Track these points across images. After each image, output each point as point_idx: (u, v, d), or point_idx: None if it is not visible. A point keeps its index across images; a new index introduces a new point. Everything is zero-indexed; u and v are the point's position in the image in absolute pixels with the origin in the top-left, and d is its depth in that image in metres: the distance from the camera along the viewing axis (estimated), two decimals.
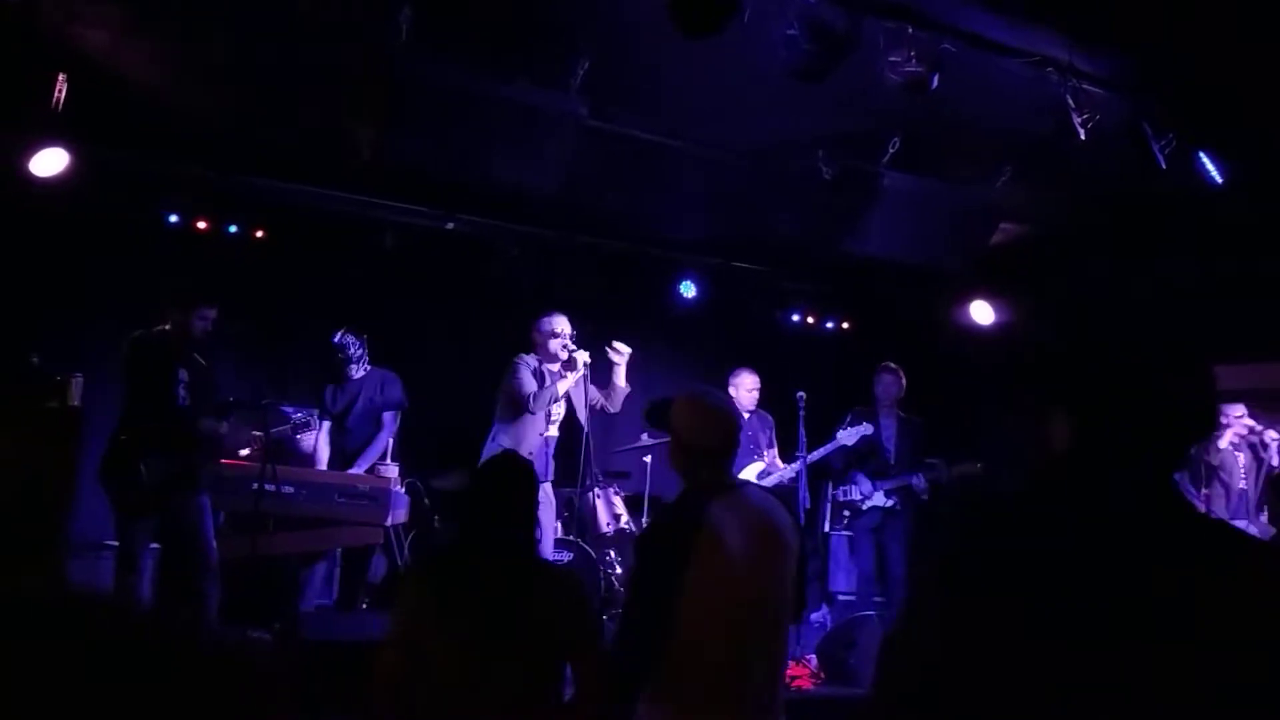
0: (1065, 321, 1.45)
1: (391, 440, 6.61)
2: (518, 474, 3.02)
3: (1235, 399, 6.96)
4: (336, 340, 6.39)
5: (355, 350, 6.40)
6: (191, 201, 7.01)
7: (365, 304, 7.16)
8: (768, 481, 7.16)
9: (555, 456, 6.40)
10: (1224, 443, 6.98)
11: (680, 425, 2.95)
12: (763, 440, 7.43)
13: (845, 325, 9.56)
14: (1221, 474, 7.04)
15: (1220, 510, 6.97)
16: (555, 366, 6.31)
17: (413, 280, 7.76)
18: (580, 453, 6.39)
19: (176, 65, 5.63)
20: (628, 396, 6.58)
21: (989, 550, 1.32)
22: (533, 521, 3.01)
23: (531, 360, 6.29)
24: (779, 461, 7.43)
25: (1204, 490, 7.06)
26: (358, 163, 5.77)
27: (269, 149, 6.67)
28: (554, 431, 6.37)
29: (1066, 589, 1.23)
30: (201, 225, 7.09)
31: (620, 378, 6.34)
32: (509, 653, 2.75)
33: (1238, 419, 7.04)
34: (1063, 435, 1.36)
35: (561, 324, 6.30)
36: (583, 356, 6.19)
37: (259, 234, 7.29)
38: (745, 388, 7.41)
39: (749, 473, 7.17)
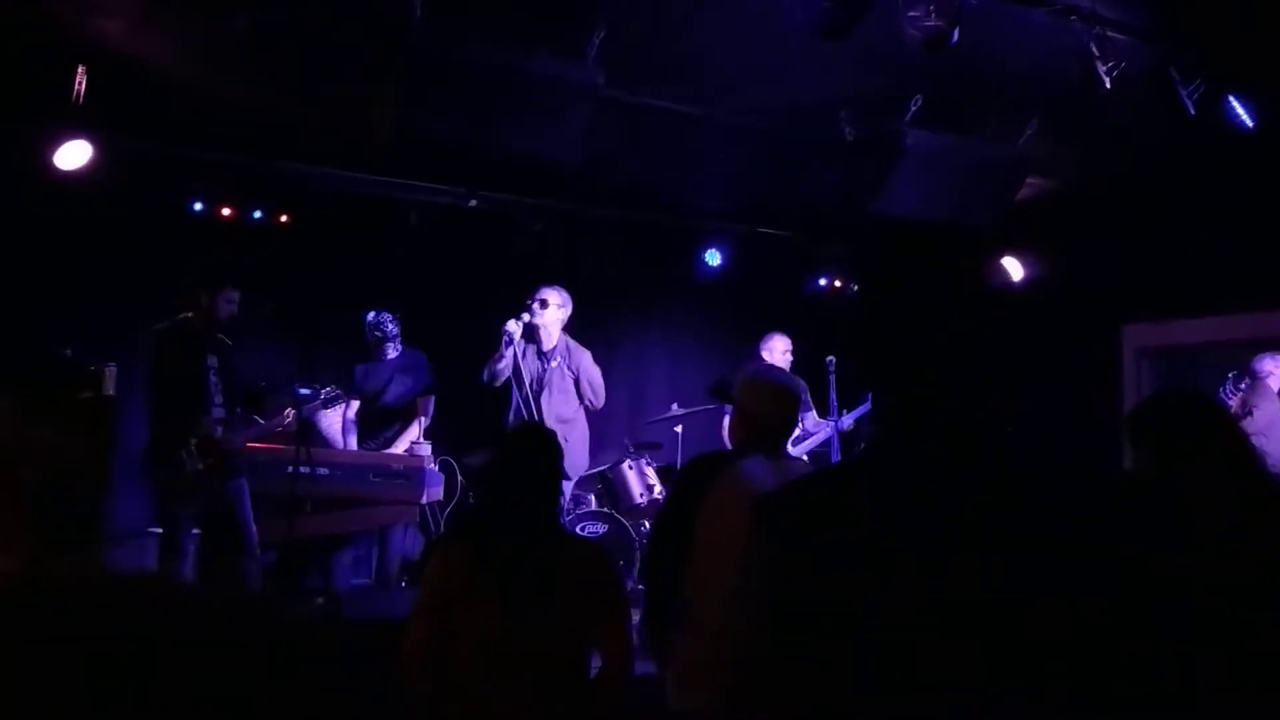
0: (865, 282, 1.53)
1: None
2: (537, 444, 3.01)
3: (1268, 346, 6.84)
4: (371, 319, 6.44)
5: (391, 329, 6.45)
6: (215, 189, 7.03)
7: (391, 284, 7.17)
8: (802, 447, 7.14)
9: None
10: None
11: (744, 398, 3.01)
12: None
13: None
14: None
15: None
16: (552, 340, 6.35)
17: (438, 259, 7.76)
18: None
19: (195, 52, 5.63)
20: (651, 367, 6.60)
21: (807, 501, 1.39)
22: (556, 492, 2.99)
23: (507, 346, 6.31)
24: (814, 419, 7.37)
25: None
26: (378, 142, 5.77)
27: (289, 133, 6.67)
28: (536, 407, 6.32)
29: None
30: (226, 212, 7.11)
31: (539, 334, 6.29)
32: (536, 624, 2.76)
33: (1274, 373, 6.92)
34: (876, 390, 1.46)
35: (545, 293, 6.33)
36: (511, 324, 6.19)
37: (283, 219, 7.30)
38: (779, 351, 7.37)
39: None
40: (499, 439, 3.05)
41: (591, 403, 6.44)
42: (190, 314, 5.44)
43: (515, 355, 6.24)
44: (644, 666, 5.37)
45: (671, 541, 2.85)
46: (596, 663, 3.03)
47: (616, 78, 5.53)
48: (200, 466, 5.22)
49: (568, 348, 6.45)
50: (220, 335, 5.52)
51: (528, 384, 6.31)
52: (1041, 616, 1.20)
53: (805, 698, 1.27)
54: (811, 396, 7.45)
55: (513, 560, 2.80)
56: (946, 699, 1.20)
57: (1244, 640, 1.24)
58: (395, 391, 6.49)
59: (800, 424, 7.31)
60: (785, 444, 3.17)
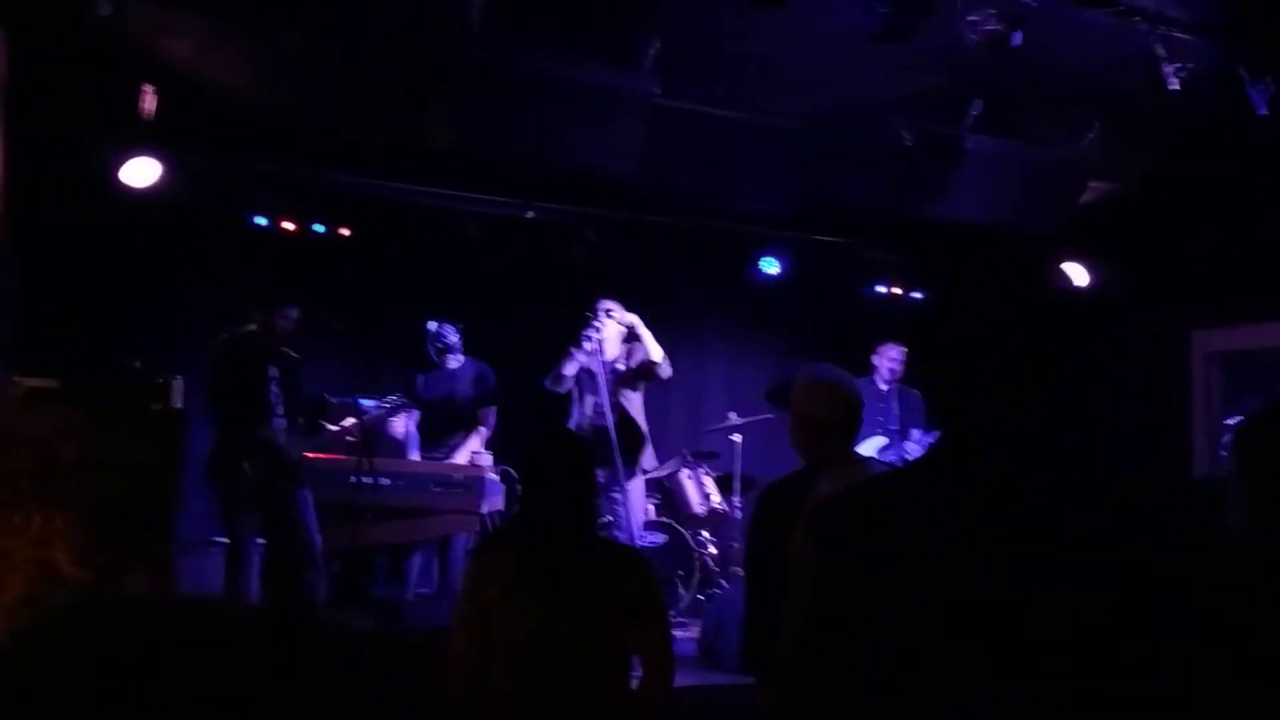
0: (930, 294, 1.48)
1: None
2: (566, 450, 3.00)
3: None
4: (433, 329, 6.49)
5: (453, 339, 6.51)
6: (276, 202, 7.15)
7: (451, 295, 7.23)
8: (889, 455, 7.02)
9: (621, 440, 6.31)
10: None
11: (797, 400, 2.98)
12: (897, 417, 7.22)
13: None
14: None
15: None
16: (613, 350, 6.34)
17: (496, 269, 7.82)
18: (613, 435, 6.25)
19: (257, 69, 5.74)
20: (708, 376, 6.60)
21: (861, 517, 1.35)
22: (591, 497, 2.96)
23: (580, 354, 6.33)
24: (919, 435, 7.20)
25: None
26: (436, 153, 5.83)
27: (350, 146, 6.77)
28: (600, 419, 6.31)
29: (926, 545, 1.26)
30: (287, 225, 7.23)
31: (654, 352, 6.27)
32: (575, 632, 2.75)
33: None
34: (934, 396, 1.40)
35: (605, 305, 6.36)
36: (600, 321, 6.25)
37: (343, 231, 7.40)
38: (887, 358, 7.30)
39: (868, 446, 7.03)
40: (529, 447, 3.04)
41: (661, 373, 6.39)
42: (255, 326, 5.55)
43: (582, 364, 6.30)
44: (700, 676, 5.37)
45: (763, 567, 2.82)
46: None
47: (671, 85, 5.54)
48: (263, 474, 5.30)
49: (628, 352, 6.47)
50: (284, 349, 5.61)
51: (590, 392, 6.35)
52: (1095, 625, 1.18)
53: (843, 705, 1.27)
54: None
55: (549, 567, 2.80)
56: (992, 709, 1.19)
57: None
58: (457, 401, 6.54)
59: (896, 433, 7.16)
60: (851, 447, 3.10)
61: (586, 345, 6.21)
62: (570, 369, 6.30)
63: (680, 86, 5.75)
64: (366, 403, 6.01)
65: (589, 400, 6.33)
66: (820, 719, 1.29)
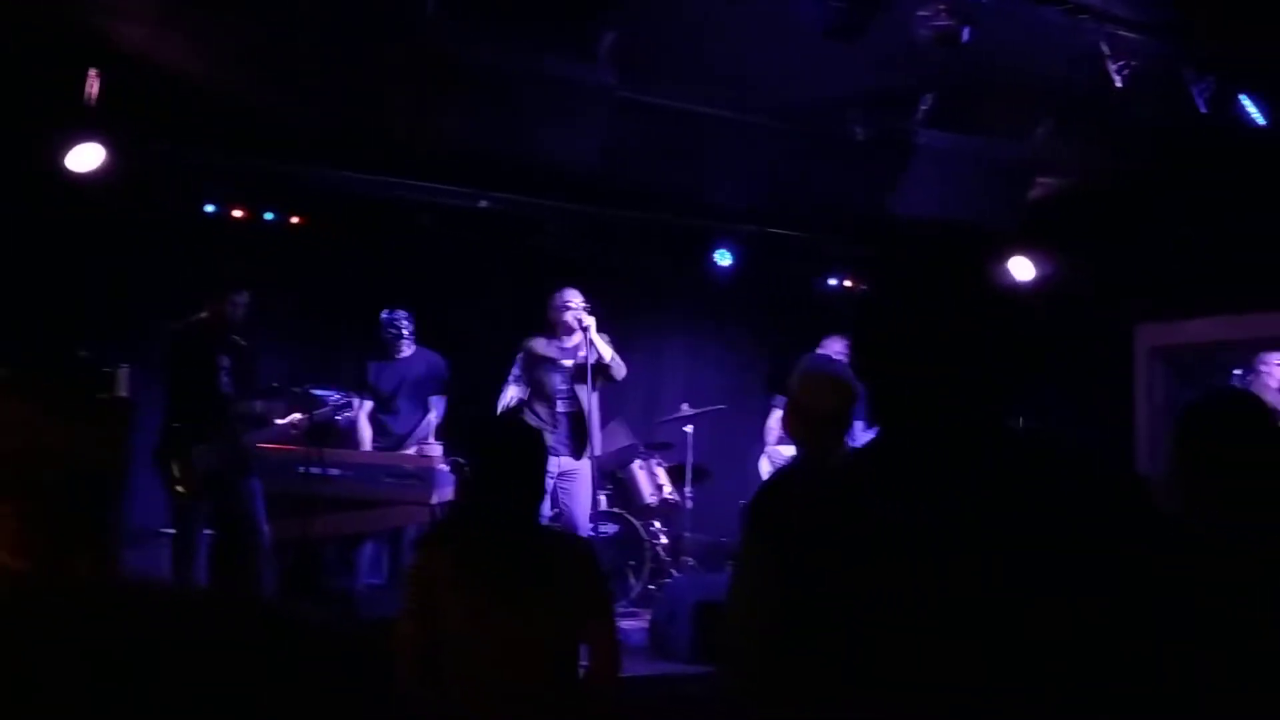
0: (876, 291, 1.48)
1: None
2: (514, 440, 2.99)
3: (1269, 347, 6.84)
4: (386, 316, 6.48)
5: (405, 326, 6.49)
6: (227, 190, 7.07)
7: (405, 286, 7.19)
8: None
9: (573, 428, 6.34)
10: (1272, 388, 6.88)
11: (802, 392, 3.00)
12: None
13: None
14: None
15: None
16: (573, 340, 6.31)
17: (452, 261, 7.78)
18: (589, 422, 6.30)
19: (209, 55, 5.66)
20: (663, 368, 6.62)
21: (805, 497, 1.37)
22: (539, 486, 2.97)
23: (539, 344, 6.32)
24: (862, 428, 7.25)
25: None
26: (393, 145, 5.79)
27: (303, 135, 6.70)
28: (563, 407, 6.33)
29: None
30: (238, 214, 7.15)
31: (599, 351, 6.25)
32: (522, 622, 2.75)
33: (1277, 366, 6.94)
34: (871, 387, 1.40)
35: (572, 297, 6.32)
36: (587, 320, 6.22)
37: (295, 220, 7.33)
38: (832, 352, 7.33)
39: None
40: (477, 437, 3.02)
41: (615, 374, 6.35)
42: (205, 314, 5.49)
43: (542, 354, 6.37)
44: (650, 666, 5.40)
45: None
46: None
47: (629, 78, 5.54)
48: (212, 464, 5.26)
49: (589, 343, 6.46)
50: (235, 337, 5.56)
51: (548, 379, 6.36)
52: (1043, 615, 1.19)
53: (798, 693, 1.28)
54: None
55: (496, 557, 2.80)
56: (944, 698, 1.20)
57: (1246, 640, 1.23)
58: (409, 390, 6.52)
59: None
60: (844, 441, 3.12)
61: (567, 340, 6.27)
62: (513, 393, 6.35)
63: (639, 80, 5.75)
64: (327, 394, 5.98)
65: (547, 387, 6.31)
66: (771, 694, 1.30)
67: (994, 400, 1.33)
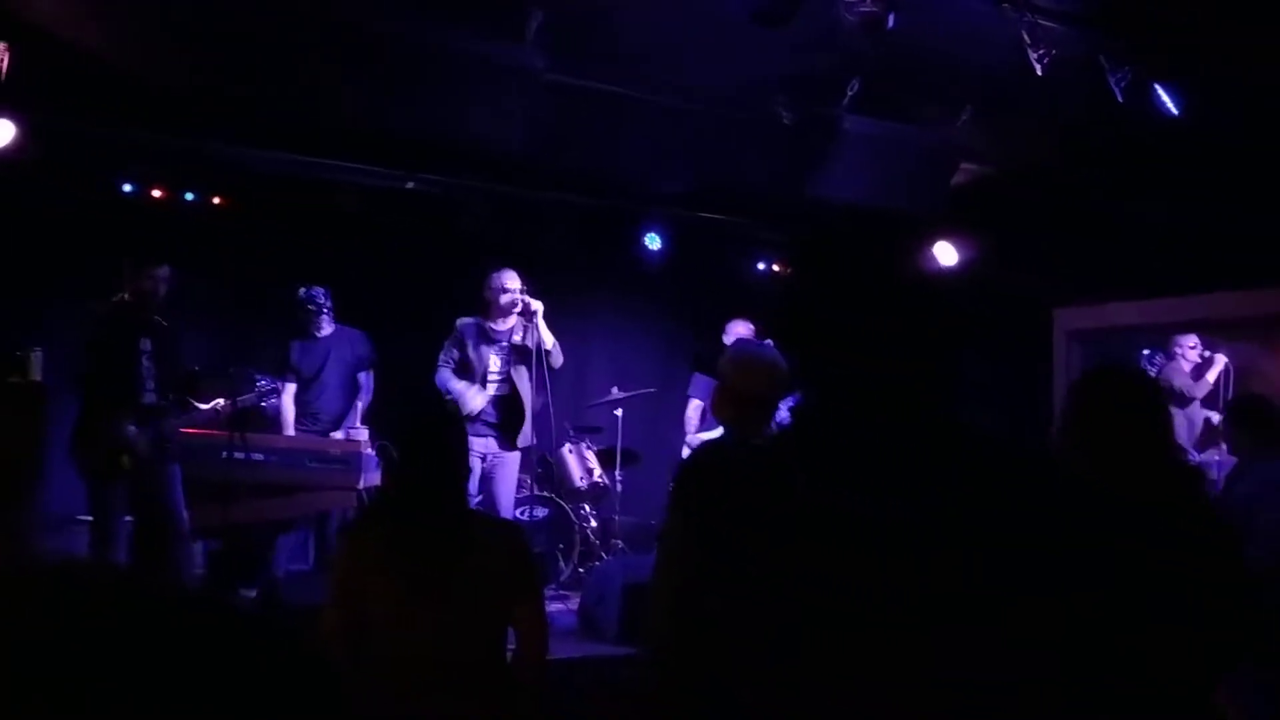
0: (795, 265, 1.50)
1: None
2: (439, 425, 2.97)
3: (1191, 329, 7.07)
4: (303, 294, 6.37)
5: (323, 303, 6.38)
6: (146, 170, 6.90)
7: (330, 267, 7.09)
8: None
9: (504, 412, 6.29)
10: (1185, 370, 7.13)
11: (735, 375, 3.02)
12: None
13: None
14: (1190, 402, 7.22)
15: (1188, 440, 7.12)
16: (508, 323, 6.27)
17: (377, 242, 7.70)
18: (524, 407, 6.29)
19: (125, 29, 5.51)
20: (591, 351, 6.61)
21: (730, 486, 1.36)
22: (462, 471, 2.95)
23: (470, 326, 6.25)
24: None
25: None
26: (316, 124, 5.71)
27: (223, 113, 6.56)
28: (493, 390, 6.25)
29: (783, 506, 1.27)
30: (157, 194, 6.99)
31: (544, 338, 6.21)
32: (449, 606, 2.74)
33: (1190, 349, 7.19)
34: (795, 368, 1.41)
35: (511, 279, 6.24)
36: (536, 305, 6.18)
37: (216, 200, 7.19)
38: (735, 335, 7.39)
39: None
40: (402, 421, 3.00)
41: (553, 361, 6.30)
42: (126, 295, 5.36)
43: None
44: (580, 648, 5.42)
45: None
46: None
47: (557, 60, 5.52)
48: (130, 449, 5.15)
49: (523, 328, 6.40)
50: (158, 318, 5.43)
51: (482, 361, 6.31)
52: (970, 600, 1.21)
53: (721, 666, 1.28)
54: None
55: (421, 542, 2.79)
56: (867, 679, 1.21)
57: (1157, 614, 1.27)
58: (332, 368, 6.42)
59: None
60: (769, 422, 3.16)
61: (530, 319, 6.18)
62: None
63: (567, 62, 5.73)
64: (261, 379, 5.88)
65: (478, 369, 6.24)
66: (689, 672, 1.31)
67: (922, 383, 1.34)
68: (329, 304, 6.44)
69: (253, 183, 7.25)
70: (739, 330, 7.36)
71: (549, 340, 6.20)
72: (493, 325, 6.27)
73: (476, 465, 5.95)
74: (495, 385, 6.26)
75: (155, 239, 6.32)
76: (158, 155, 6.85)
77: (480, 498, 6.20)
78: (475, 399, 6.12)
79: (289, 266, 7.11)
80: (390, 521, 2.88)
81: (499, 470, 6.24)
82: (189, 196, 7.09)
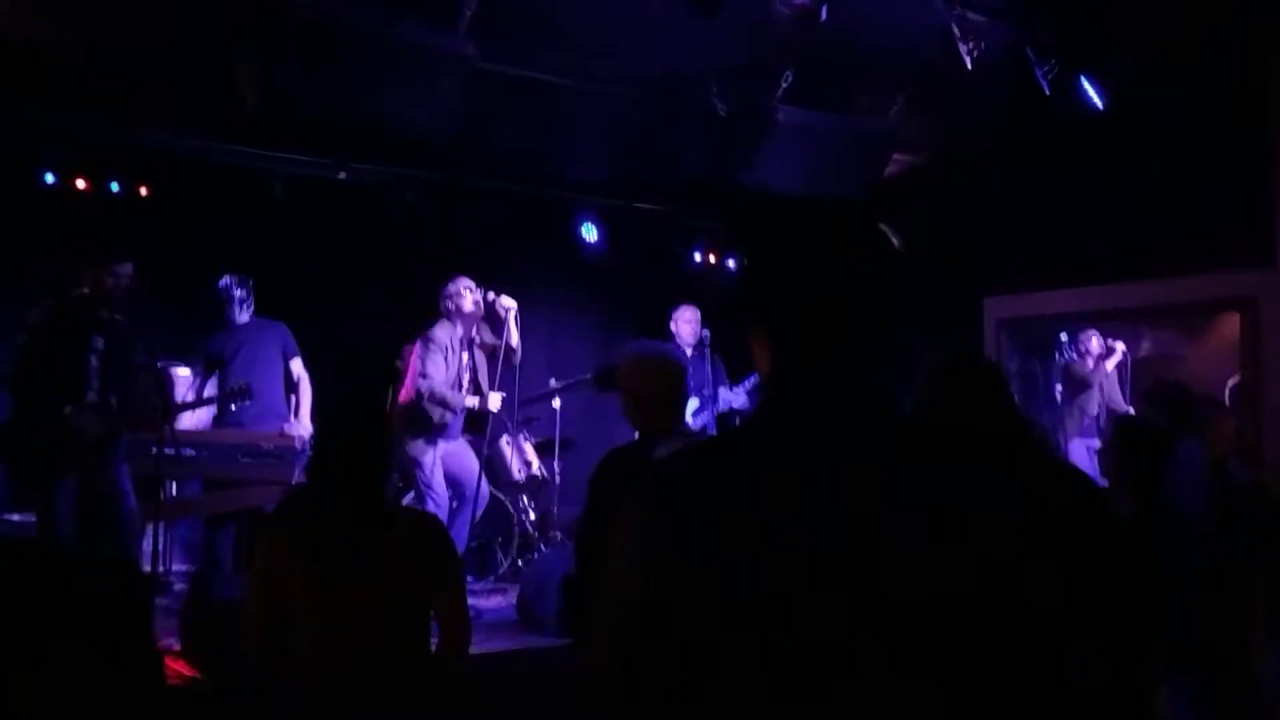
0: (754, 246, 1.48)
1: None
2: (358, 418, 2.94)
3: (1117, 316, 7.26)
4: (221, 284, 6.24)
5: (239, 293, 6.25)
6: (68, 159, 6.72)
7: (260, 259, 6.97)
8: (703, 416, 7.20)
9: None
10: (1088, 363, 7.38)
11: (628, 379, 3.08)
12: (708, 379, 7.34)
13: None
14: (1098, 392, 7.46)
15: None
16: (475, 330, 6.37)
17: (308, 233, 7.57)
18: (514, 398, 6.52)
19: (45, 14, 5.36)
20: (529, 342, 6.65)
21: (698, 472, 1.34)
22: (383, 464, 2.92)
23: (444, 336, 6.26)
24: (725, 393, 7.40)
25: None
26: (244, 111, 5.59)
27: (149, 101, 6.42)
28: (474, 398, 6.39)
29: (773, 500, 1.25)
30: (81, 184, 6.80)
31: (514, 335, 6.32)
32: (369, 599, 2.73)
33: (1093, 342, 7.44)
34: (765, 357, 1.40)
35: (468, 285, 6.33)
36: (510, 303, 6.29)
37: (143, 191, 7.02)
38: (683, 321, 7.44)
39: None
40: (321, 415, 2.99)
41: (515, 360, 6.48)
42: (86, 290, 5.21)
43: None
44: (518, 640, 5.41)
45: (596, 542, 2.84)
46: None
47: (490, 48, 5.47)
48: (62, 450, 5.02)
49: (483, 329, 6.54)
50: (116, 316, 5.28)
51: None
52: (954, 584, 1.21)
53: (690, 673, 1.26)
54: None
55: (338, 536, 2.77)
56: (849, 677, 1.20)
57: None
58: (247, 358, 6.25)
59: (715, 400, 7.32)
60: (681, 419, 3.21)
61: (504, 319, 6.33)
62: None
63: (499, 49, 5.69)
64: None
65: (461, 378, 6.31)
66: (660, 686, 1.28)
67: (877, 369, 1.36)
68: (245, 294, 6.30)
69: (180, 172, 7.09)
70: (686, 316, 7.42)
71: (515, 338, 6.35)
72: (456, 333, 6.32)
73: (438, 465, 6.25)
74: (465, 388, 6.38)
75: (79, 231, 6.17)
76: (80, 144, 6.67)
77: (451, 493, 6.39)
78: (494, 399, 6.34)
79: (217, 258, 6.96)
80: (308, 515, 2.85)
81: (463, 459, 6.41)
82: (114, 187, 6.91)
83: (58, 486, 5.07)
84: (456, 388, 6.29)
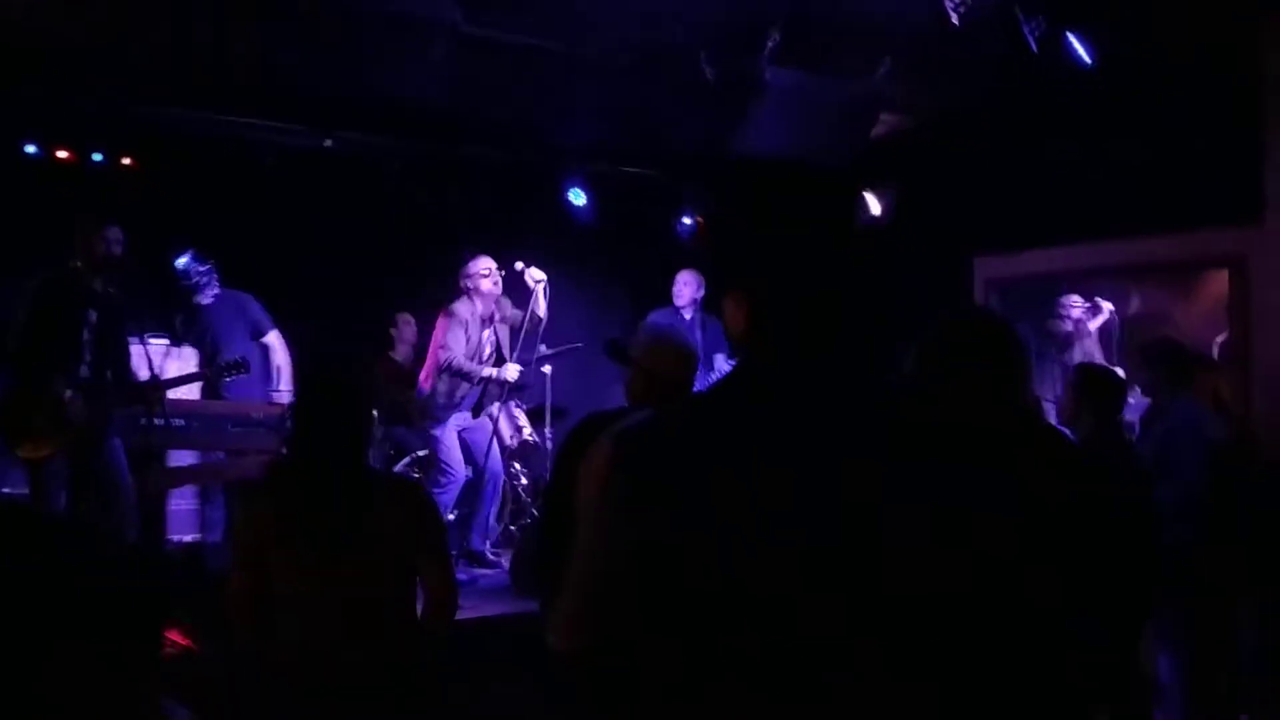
0: (738, 209, 1.47)
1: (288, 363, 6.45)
2: (335, 387, 2.95)
3: (1105, 275, 7.25)
4: (180, 266, 6.10)
5: (200, 277, 6.16)
6: (51, 130, 6.66)
7: (247, 230, 6.94)
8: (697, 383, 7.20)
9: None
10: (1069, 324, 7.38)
11: (646, 357, 3.07)
12: (701, 345, 7.36)
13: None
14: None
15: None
16: (491, 305, 6.40)
17: (295, 203, 7.52)
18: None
19: None
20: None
21: (678, 435, 1.34)
22: (363, 432, 2.93)
23: (466, 312, 6.28)
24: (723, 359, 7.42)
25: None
26: (231, 80, 5.55)
27: (133, 71, 6.35)
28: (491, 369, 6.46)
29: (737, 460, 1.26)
30: (63, 155, 6.75)
31: (541, 306, 6.37)
32: (352, 566, 2.75)
33: (1074, 307, 7.43)
34: (738, 318, 1.40)
35: (488, 263, 6.39)
36: (539, 275, 6.39)
37: (126, 162, 6.97)
38: (683, 284, 7.45)
39: None
40: (299, 385, 3.00)
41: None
42: (78, 262, 5.18)
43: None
44: (511, 605, 5.44)
45: (560, 491, 2.84)
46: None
47: (477, 14, 5.43)
48: (57, 425, 5.01)
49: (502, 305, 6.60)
50: (109, 289, 5.25)
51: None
52: (930, 550, 1.21)
53: (668, 632, 1.26)
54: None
55: (319, 506, 2.78)
56: (826, 640, 1.20)
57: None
58: (213, 342, 6.19)
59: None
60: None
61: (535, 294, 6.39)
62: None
63: (488, 16, 5.64)
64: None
65: (484, 352, 6.40)
66: (644, 650, 1.27)
67: (864, 336, 1.35)
68: (208, 277, 6.20)
69: (165, 142, 7.04)
70: (685, 279, 7.42)
71: (542, 309, 6.41)
72: (479, 310, 6.39)
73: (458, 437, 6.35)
74: (487, 363, 6.48)
75: (63, 203, 6.12)
76: (63, 115, 6.61)
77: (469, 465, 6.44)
78: (512, 370, 6.44)
79: (205, 229, 6.93)
80: (289, 485, 2.86)
81: (478, 432, 6.50)
82: (97, 158, 6.85)
83: (49, 461, 5.06)
84: (477, 361, 6.39)
